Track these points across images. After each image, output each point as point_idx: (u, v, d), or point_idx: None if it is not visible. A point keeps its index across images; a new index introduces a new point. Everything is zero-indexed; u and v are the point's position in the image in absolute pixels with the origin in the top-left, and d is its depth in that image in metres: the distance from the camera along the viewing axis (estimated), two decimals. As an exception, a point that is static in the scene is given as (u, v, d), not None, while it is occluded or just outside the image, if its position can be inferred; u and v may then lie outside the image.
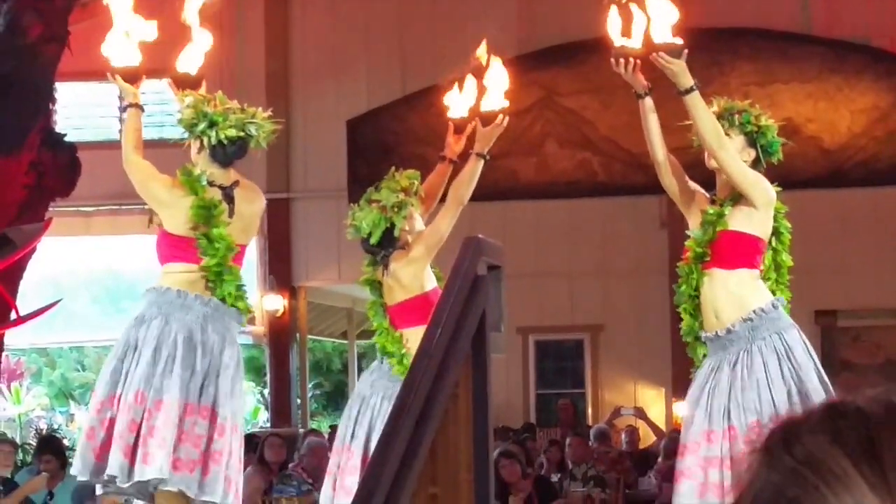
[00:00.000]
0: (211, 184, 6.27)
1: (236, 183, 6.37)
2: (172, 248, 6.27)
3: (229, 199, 6.30)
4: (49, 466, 10.02)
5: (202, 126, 6.25)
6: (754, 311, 5.99)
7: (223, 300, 6.23)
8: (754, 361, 5.94)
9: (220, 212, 6.23)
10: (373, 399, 6.80)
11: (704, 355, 6.14)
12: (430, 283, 6.85)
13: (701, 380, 6.07)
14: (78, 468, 6.15)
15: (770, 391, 5.90)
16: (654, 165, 6.16)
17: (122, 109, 6.45)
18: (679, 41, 5.90)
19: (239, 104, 6.43)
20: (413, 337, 6.55)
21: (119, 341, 6.25)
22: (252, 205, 6.46)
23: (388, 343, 6.84)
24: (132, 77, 6.43)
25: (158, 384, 6.06)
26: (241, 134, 6.26)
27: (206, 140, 6.25)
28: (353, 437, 6.80)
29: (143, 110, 6.45)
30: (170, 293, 6.20)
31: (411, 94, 17.27)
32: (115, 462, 6.00)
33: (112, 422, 6.09)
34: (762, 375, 5.92)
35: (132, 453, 6.01)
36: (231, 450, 6.21)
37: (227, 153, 6.29)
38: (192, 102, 6.32)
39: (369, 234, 6.82)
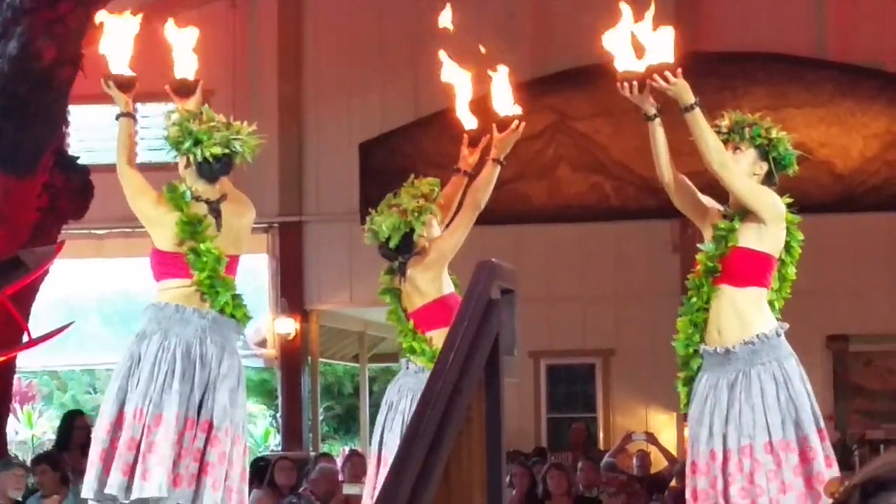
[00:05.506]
0: (197, 199, 6.31)
1: (224, 197, 6.39)
2: (164, 265, 6.31)
3: (216, 213, 6.33)
4: (44, 478, 9.99)
5: (187, 144, 6.28)
6: (757, 336, 5.96)
7: (221, 311, 6.25)
8: (752, 385, 5.93)
9: (205, 226, 6.26)
10: (402, 403, 6.70)
11: (698, 368, 6.11)
12: (448, 287, 6.82)
13: (700, 397, 6.03)
14: (92, 489, 6.10)
15: (765, 416, 5.89)
16: (665, 187, 6.16)
17: (115, 118, 6.44)
18: (670, 60, 5.88)
19: (247, 123, 6.44)
20: (438, 338, 6.50)
21: (122, 359, 6.25)
22: (242, 218, 6.47)
23: (415, 342, 6.77)
24: (126, 85, 6.44)
25: (157, 399, 6.06)
26: (227, 151, 6.29)
27: (192, 157, 6.28)
28: (383, 444, 6.68)
29: (135, 120, 6.51)
30: (168, 308, 6.23)
31: (424, 117, 17.28)
32: (115, 481, 5.99)
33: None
34: (759, 400, 5.90)
35: (131, 471, 5.99)
36: (233, 460, 6.19)
37: (213, 170, 6.32)
38: (178, 120, 6.35)
39: (388, 239, 6.80)
